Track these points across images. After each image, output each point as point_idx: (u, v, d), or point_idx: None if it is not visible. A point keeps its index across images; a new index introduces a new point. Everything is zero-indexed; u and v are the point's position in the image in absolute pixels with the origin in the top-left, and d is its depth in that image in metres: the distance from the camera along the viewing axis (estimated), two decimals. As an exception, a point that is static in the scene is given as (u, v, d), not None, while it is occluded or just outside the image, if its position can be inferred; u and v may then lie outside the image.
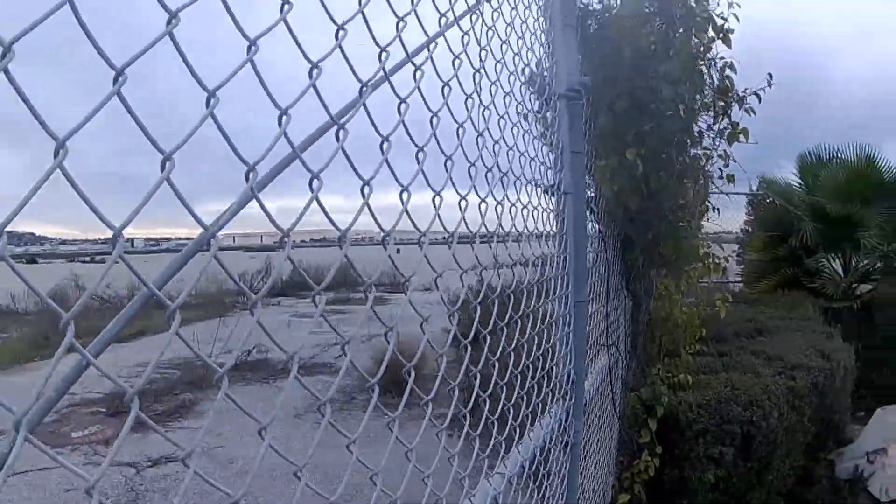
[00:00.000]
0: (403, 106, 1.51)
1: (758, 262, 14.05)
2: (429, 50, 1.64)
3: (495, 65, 2.25)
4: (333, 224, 1.33)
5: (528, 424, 2.57)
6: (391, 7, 1.48)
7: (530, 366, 2.57)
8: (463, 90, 1.90)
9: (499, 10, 2.36)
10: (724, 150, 5.48)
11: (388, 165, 1.44)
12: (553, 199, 3.07)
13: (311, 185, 1.22)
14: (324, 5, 1.28)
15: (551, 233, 2.99)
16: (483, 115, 2.04)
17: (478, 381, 1.98)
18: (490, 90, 2.14)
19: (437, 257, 1.67)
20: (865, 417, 8.98)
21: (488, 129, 2.08)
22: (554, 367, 2.99)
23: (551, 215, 3.02)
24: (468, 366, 1.89)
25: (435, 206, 1.63)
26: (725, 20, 5.05)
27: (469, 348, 1.86)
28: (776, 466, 6.62)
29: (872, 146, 12.98)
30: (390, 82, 1.48)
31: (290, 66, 1.27)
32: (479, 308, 1.96)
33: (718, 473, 6.17)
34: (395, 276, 1.42)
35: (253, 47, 1.10)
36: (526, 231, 2.53)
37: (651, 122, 4.64)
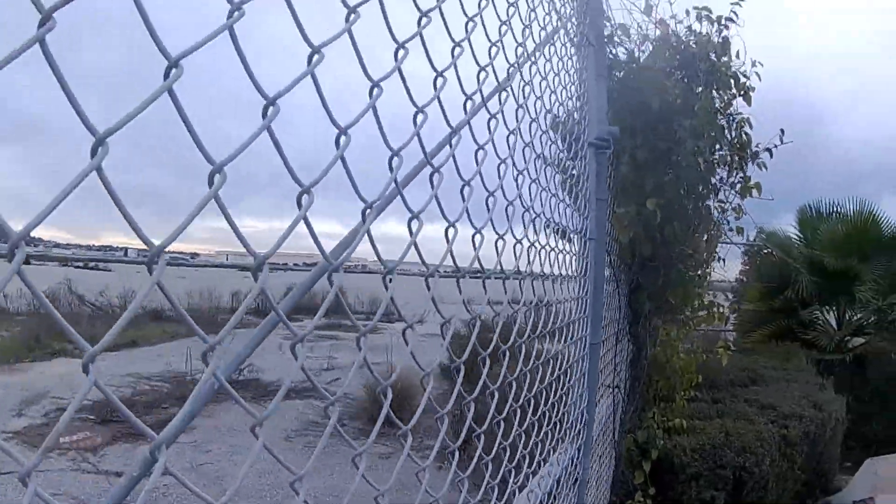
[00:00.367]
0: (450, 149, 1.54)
1: (753, 312, 14.13)
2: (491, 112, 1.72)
3: (535, 101, 2.32)
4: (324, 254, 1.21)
5: (543, 462, 2.65)
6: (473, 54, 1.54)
7: (546, 413, 2.65)
8: (494, 147, 1.97)
9: (536, 63, 2.45)
10: (738, 204, 5.58)
11: (402, 197, 1.37)
12: (573, 243, 3.15)
13: (298, 200, 1.09)
14: (387, 21, 1.29)
15: (573, 275, 3.07)
16: (521, 155, 2.11)
17: (501, 428, 2.06)
18: (520, 133, 2.17)
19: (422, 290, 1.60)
20: (853, 468, 9.04)
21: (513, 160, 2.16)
22: (572, 406, 3.09)
23: (568, 257, 3.09)
24: (492, 415, 1.97)
25: (448, 239, 1.55)
26: (748, 78, 5.19)
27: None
28: (766, 511, 6.69)
29: (872, 202, 13.15)
30: (471, 128, 1.57)
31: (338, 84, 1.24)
32: (487, 360, 2.00)
33: (710, 516, 6.25)
34: (389, 306, 1.36)
35: (316, 56, 1.07)
36: (542, 273, 2.58)
37: (671, 173, 4.76)
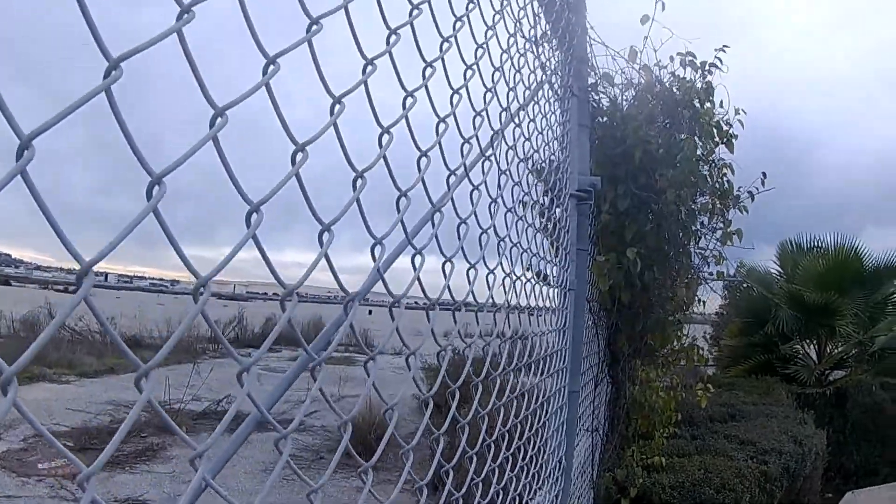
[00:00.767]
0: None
1: (733, 347, 14.18)
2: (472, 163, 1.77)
3: (518, 164, 2.38)
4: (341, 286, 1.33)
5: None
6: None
7: (524, 466, 2.67)
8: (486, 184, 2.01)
9: (520, 125, 2.50)
10: (719, 251, 5.62)
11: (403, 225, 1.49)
12: (553, 293, 3.17)
13: (319, 238, 1.21)
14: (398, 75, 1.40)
15: (551, 329, 3.10)
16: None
17: (479, 489, 2.08)
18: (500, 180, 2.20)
19: (408, 324, 1.60)
20: (834, 499, 9.09)
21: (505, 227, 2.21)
22: (550, 455, 3.10)
23: (550, 303, 3.12)
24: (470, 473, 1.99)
25: (445, 275, 1.67)
26: (730, 126, 5.25)
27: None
28: (746, 547, 6.69)
29: (853, 235, 13.26)
30: (469, 177, 1.61)
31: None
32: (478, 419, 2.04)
33: (690, 554, 6.25)
34: (367, 337, 1.38)
35: (338, 105, 1.20)
36: (531, 329, 2.63)
37: (652, 222, 4.80)
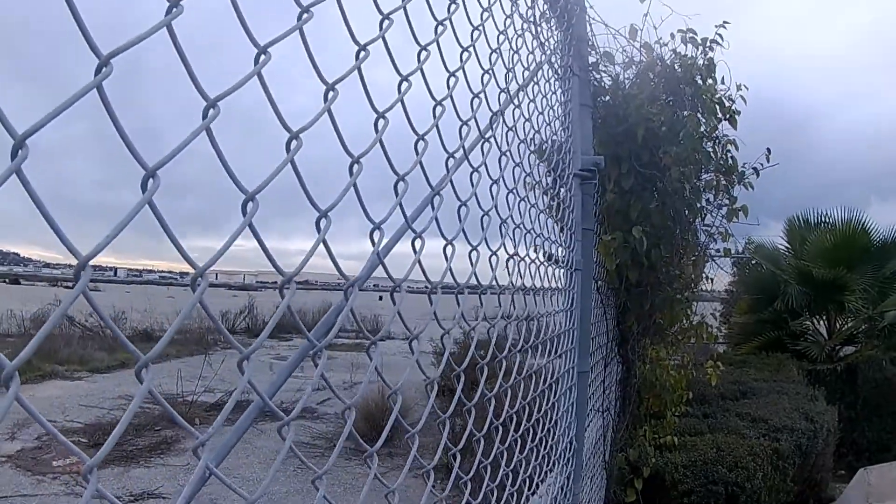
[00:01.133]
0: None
1: (743, 324, 14.18)
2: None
3: (519, 144, 2.37)
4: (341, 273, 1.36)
5: (527, 490, 2.66)
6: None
7: (534, 448, 2.67)
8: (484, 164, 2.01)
9: (520, 106, 2.49)
10: (725, 228, 5.60)
11: (402, 209, 1.48)
12: (560, 273, 3.16)
13: (317, 224, 1.22)
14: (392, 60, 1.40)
15: (558, 310, 3.09)
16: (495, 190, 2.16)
17: (488, 472, 2.08)
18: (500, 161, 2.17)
19: (416, 307, 1.62)
20: (846, 475, 9.09)
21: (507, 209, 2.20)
22: (560, 437, 3.10)
23: (557, 284, 3.11)
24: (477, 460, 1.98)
25: (447, 257, 1.66)
26: (733, 101, 5.23)
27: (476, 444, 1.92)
28: (759, 525, 6.70)
29: (859, 209, 13.22)
30: (468, 160, 1.61)
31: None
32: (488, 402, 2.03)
33: (703, 533, 6.26)
34: (378, 323, 1.38)
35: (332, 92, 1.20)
36: (537, 310, 2.62)
37: (657, 200, 4.79)
